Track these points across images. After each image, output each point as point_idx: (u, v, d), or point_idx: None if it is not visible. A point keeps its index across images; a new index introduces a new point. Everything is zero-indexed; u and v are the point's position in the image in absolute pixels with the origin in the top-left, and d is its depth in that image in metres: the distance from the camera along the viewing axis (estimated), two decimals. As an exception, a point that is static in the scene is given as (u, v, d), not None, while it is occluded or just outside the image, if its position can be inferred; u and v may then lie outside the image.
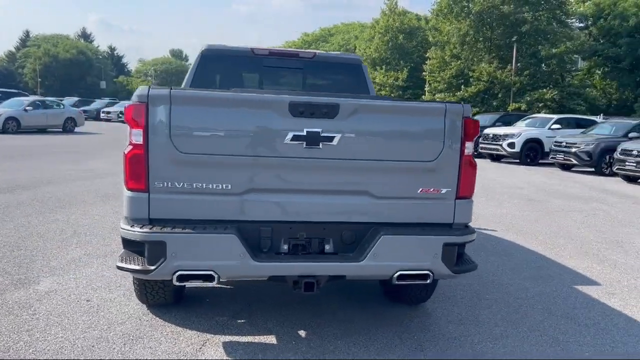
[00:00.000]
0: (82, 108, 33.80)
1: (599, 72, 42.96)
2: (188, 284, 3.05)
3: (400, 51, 47.09)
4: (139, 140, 2.92)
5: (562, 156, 16.82)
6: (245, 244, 2.95)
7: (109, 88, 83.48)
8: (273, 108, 2.96)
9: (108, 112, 41.32)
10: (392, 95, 40.84)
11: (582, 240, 6.94)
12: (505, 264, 5.61)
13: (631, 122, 18.61)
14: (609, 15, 39.00)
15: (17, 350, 3.26)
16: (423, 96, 41.98)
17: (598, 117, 25.55)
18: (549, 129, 18.94)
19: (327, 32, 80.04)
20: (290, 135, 2.96)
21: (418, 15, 53.88)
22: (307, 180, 3.07)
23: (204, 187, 2.99)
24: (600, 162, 15.94)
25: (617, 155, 14.55)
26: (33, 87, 71.69)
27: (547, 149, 18.13)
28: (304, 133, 2.97)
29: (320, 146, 2.99)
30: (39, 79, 73.85)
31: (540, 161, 18.62)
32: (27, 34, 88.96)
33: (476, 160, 3.37)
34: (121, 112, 40.69)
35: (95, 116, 41.24)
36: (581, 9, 43.23)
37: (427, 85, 41.78)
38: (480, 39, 39.20)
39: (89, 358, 3.20)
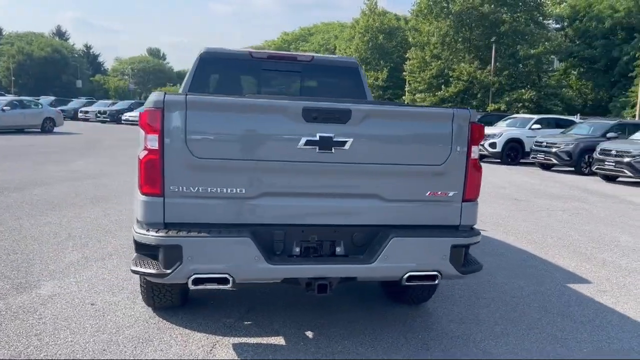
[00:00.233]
0: (59, 107, 33.25)
1: (575, 72, 43.86)
2: (203, 287, 3.08)
3: (380, 51, 47.42)
4: (155, 145, 2.95)
5: (543, 156, 17.16)
6: (259, 247, 3.00)
7: (85, 87, 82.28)
8: (287, 113, 3.01)
9: (86, 112, 40.72)
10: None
11: (569, 239, 7.13)
12: (498, 263, 5.74)
13: (609, 122, 19.09)
14: (584, 17, 39.82)
15: (28, 354, 3.26)
16: (403, 96, 42.38)
17: (575, 117, 26.12)
18: (530, 129, 19.30)
19: (307, 32, 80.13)
20: (303, 140, 3.02)
21: (397, 15, 54.29)
22: (319, 184, 3.13)
23: (219, 191, 3.03)
24: (580, 161, 16.31)
25: (596, 155, 14.91)
26: (7, 86, 70.35)
27: (527, 149, 18.48)
28: (317, 138, 3.02)
29: (333, 151, 3.05)
30: (13, 78, 72.47)
31: (521, 161, 18.97)
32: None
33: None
34: (99, 112, 40.29)
35: (73, 116, 40.58)
36: (557, 10, 44.06)
37: (407, 85, 42.15)
38: (460, 39, 39.70)
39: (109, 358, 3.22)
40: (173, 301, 3.90)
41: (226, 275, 3.00)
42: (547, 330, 4.03)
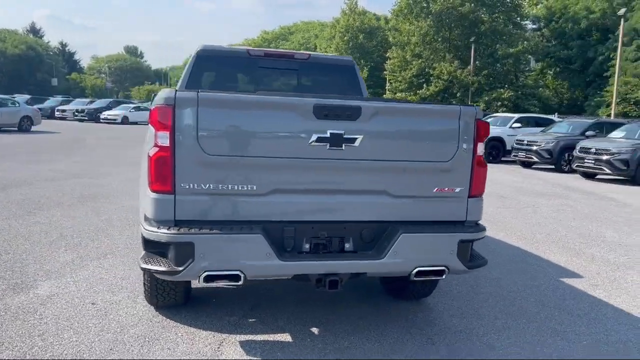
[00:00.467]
0: (36, 106, 32.64)
1: (551, 72, 44.62)
2: (214, 285, 3.07)
3: (361, 50, 47.63)
4: (166, 142, 2.93)
5: (524, 154, 17.43)
6: (271, 243, 3.01)
7: (61, 85, 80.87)
8: (298, 110, 3.02)
9: (63, 110, 40.06)
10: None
11: (557, 235, 7.26)
12: (492, 259, 5.79)
13: (587, 121, 19.45)
14: (560, 18, 40.53)
15: (34, 355, 3.21)
16: (384, 95, 42.58)
17: (553, 116, 26.57)
18: (510, 127, 19.59)
19: (287, 31, 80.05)
20: (314, 137, 3.03)
21: (376, 15, 54.58)
22: (329, 180, 3.15)
23: (230, 188, 3.02)
24: (560, 159, 16.61)
25: (576, 153, 15.19)
26: (-21, 84, 68.77)
27: (509, 147, 18.75)
28: (328, 135, 3.04)
29: (343, 147, 3.07)
30: (-15, 76, 70.95)
31: (502, 159, 19.23)
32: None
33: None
34: (77, 110, 39.61)
35: (50, 114, 39.88)
36: (534, 11, 44.77)
37: (388, 85, 42.40)
38: (439, 39, 40.09)
39: (117, 358, 3.20)
40: (176, 299, 3.88)
41: (238, 272, 3.00)
42: (546, 323, 4.11)
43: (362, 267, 3.22)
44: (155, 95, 6.96)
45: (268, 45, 70.83)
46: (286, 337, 3.65)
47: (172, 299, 3.84)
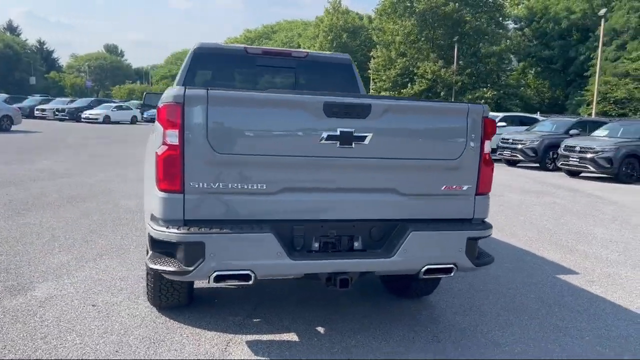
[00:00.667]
0: (15, 105, 32.04)
1: (532, 72, 45.18)
2: (224, 284, 3.04)
3: (345, 50, 47.54)
4: (175, 141, 2.89)
5: (509, 152, 17.63)
6: (281, 242, 2.98)
7: (40, 84, 79.61)
8: (308, 108, 3.00)
9: (43, 110, 39.40)
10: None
11: (548, 232, 7.34)
12: (488, 256, 5.86)
13: (571, 120, 19.74)
14: (542, 18, 41.05)
15: (38, 357, 3.14)
16: (368, 94, 42.64)
17: (536, 114, 26.89)
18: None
19: (270, 29, 79.83)
20: (324, 135, 3.01)
21: (359, 14, 54.71)
22: (339, 179, 3.13)
23: (240, 187, 2.99)
24: (545, 157, 16.82)
25: (561, 151, 15.39)
26: (-45, 83, 67.37)
27: (493, 146, 18.90)
28: (338, 133, 3.02)
29: (353, 145, 3.06)
30: (-39, 74, 69.50)
31: (487, 157, 19.37)
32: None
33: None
34: (57, 110, 38.99)
35: (29, 114, 39.20)
36: (515, 11, 45.29)
37: (372, 84, 42.53)
38: (423, 38, 40.34)
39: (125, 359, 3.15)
40: (180, 300, 3.83)
41: (248, 272, 2.97)
42: (547, 319, 4.14)
43: (372, 266, 3.21)
44: (146, 94, 6.89)
45: (251, 44, 70.53)
46: (292, 337, 3.63)
47: (176, 299, 3.80)
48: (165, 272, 2.99)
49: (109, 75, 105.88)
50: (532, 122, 20.90)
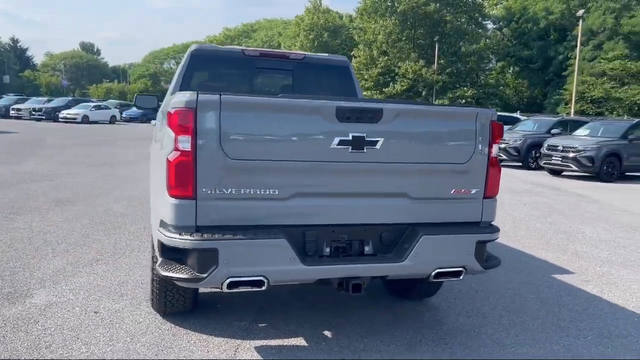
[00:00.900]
0: (-10, 105, 31.38)
1: (510, 71, 45.80)
2: (237, 290, 3.01)
3: (326, 49, 47.65)
4: (187, 147, 2.85)
5: (492, 152, 17.78)
6: (294, 248, 2.97)
7: (14, 83, 77.99)
8: (320, 113, 2.99)
9: (19, 110, 38.66)
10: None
11: (538, 232, 7.45)
12: (483, 256, 5.92)
13: (552, 119, 20.03)
14: (520, 18, 41.62)
15: (45, 368, 3.09)
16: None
17: (516, 114, 27.24)
18: (478, 126, 19.93)
19: (250, 28, 79.46)
20: (336, 140, 3.00)
21: (339, 13, 54.78)
22: (350, 183, 3.13)
23: (252, 192, 2.96)
24: (527, 157, 17.06)
25: (544, 150, 15.62)
26: None
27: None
28: (350, 138, 3.02)
29: (365, 150, 3.05)
30: None
31: (470, 157, 19.57)
32: None
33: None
34: (34, 109, 38.24)
35: (4, 113, 38.48)
36: (494, 11, 45.85)
37: (353, 83, 42.61)
38: (404, 37, 40.59)
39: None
40: (185, 306, 3.79)
41: (262, 278, 2.95)
42: (548, 320, 4.20)
43: (385, 270, 3.21)
44: (137, 95, 6.80)
45: (231, 43, 70.14)
46: (300, 341, 3.62)
47: (181, 305, 3.76)
48: (178, 279, 2.95)
49: (85, 74, 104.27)
50: (513, 121, 21.17)
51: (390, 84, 38.39)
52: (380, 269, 3.21)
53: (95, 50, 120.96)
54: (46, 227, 6.40)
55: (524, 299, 4.67)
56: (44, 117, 37.13)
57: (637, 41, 38.17)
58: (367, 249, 3.25)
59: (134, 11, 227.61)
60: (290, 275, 3.04)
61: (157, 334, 3.61)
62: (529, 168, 16.98)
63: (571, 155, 14.69)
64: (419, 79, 37.81)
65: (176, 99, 2.91)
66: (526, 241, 6.84)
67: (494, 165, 3.40)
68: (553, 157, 15.18)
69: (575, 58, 30.82)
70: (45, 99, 44.48)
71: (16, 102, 40.95)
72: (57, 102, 40.75)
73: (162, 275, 2.98)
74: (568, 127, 18.19)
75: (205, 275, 2.87)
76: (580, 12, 30.29)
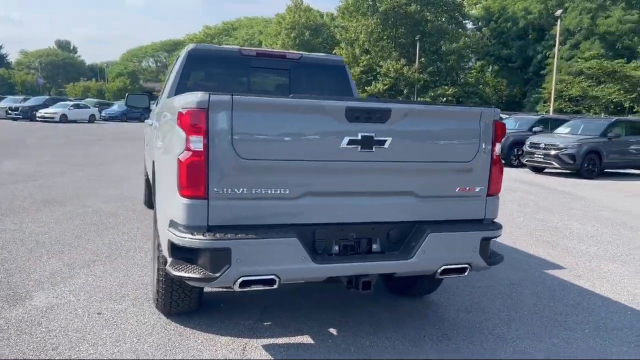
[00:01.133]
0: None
1: (490, 70, 46.38)
2: (248, 289, 3.03)
3: (307, 47, 47.68)
4: (199, 147, 2.86)
5: (475, 150, 18.01)
6: (305, 246, 3.00)
7: (-13, 81, 76.45)
8: (330, 113, 3.02)
9: (-7, 109, 37.87)
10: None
11: (528, 228, 7.59)
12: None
13: (533, 117, 20.34)
14: (499, 18, 42.17)
15: (55, 370, 3.07)
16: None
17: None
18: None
19: (230, 26, 79.01)
20: (346, 139, 3.04)
21: (320, 11, 54.81)
22: (359, 182, 3.17)
23: (263, 192, 2.98)
24: (510, 154, 17.30)
25: (526, 148, 15.87)
26: None
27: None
28: (359, 137, 3.06)
29: (374, 149, 3.09)
30: None
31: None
32: None
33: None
34: (10, 109, 37.50)
35: (-22, 113, 37.70)
36: (473, 11, 46.36)
37: (335, 82, 42.73)
38: (385, 36, 40.82)
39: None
40: (190, 306, 3.80)
41: (273, 277, 2.97)
42: (546, 314, 4.30)
43: (393, 267, 3.26)
44: (129, 95, 6.76)
45: (211, 41, 69.70)
46: (307, 339, 3.65)
47: (187, 305, 3.76)
48: (190, 279, 2.96)
49: (61, 72, 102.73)
50: (495, 119, 21.39)
51: (373, 82, 38.58)
52: (389, 267, 3.25)
53: (72, 48, 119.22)
54: (37, 228, 6.32)
55: (520, 294, 4.76)
56: (20, 117, 36.47)
57: (612, 41, 39.01)
58: (375, 246, 3.29)
59: (111, 8, 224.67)
60: (302, 274, 3.07)
61: (164, 334, 3.61)
62: (511, 165, 17.23)
63: (553, 152, 14.96)
64: (401, 78, 38.12)
65: (187, 99, 2.91)
66: (517, 238, 6.96)
67: (496, 163, 3.48)
68: (535, 155, 15.43)
69: (554, 57, 31.31)
70: (21, 97, 43.68)
71: (-10, 102, 40.15)
72: (34, 100, 40.07)
73: (174, 275, 2.98)
74: (549, 125, 18.50)
75: (218, 274, 2.88)
76: (559, 12, 30.80)
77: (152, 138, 5.09)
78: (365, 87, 38.53)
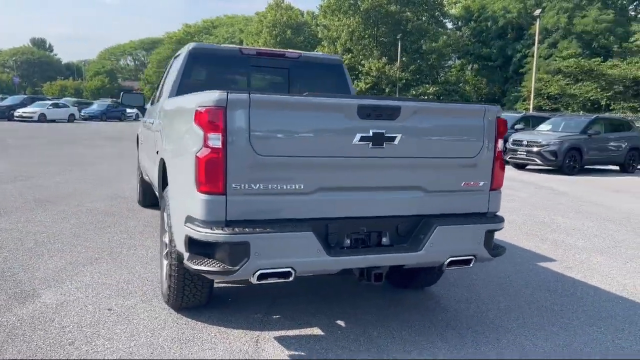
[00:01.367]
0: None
1: (469, 69, 46.94)
2: (265, 282, 3.12)
3: (289, 46, 47.64)
4: (217, 144, 2.94)
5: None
6: (320, 240, 3.10)
7: (-39, 81, 74.92)
8: (343, 111, 3.13)
9: (-30, 109, 37.15)
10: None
11: (517, 223, 7.79)
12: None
13: (515, 115, 20.71)
14: (479, 17, 42.71)
15: (75, 364, 3.12)
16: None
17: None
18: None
19: (210, 24, 78.53)
20: (358, 136, 3.15)
21: (300, 10, 54.87)
22: (370, 178, 3.28)
23: (279, 187, 3.08)
24: (493, 152, 17.55)
25: (509, 145, 16.17)
26: None
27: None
28: (370, 134, 3.17)
29: (384, 146, 3.21)
30: None
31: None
32: None
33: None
34: (-13, 108, 36.86)
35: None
36: (453, 10, 46.85)
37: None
38: (367, 36, 41.06)
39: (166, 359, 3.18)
40: (201, 300, 3.87)
41: (289, 269, 3.07)
42: (542, 304, 4.47)
43: (403, 259, 3.38)
44: (124, 93, 6.77)
45: (192, 39, 69.27)
46: (317, 331, 3.75)
47: (197, 299, 3.83)
48: (209, 272, 3.04)
49: (37, 70, 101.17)
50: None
51: (355, 81, 38.78)
52: (400, 259, 3.37)
53: (48, 46, 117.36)
54: (33, 227, 6.31)
55: (516, 285, 4.93)
56: (-3, 116, 35.87)
57: (589, 40, 39.80)
58: (384, 240, 3.41)
59: (88, 5, 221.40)
60: (317, 266, 3.17)
61: (176, 328, 3.68)
62: (495, 163, 17.50)
63: (535, 149, 15.28)
64: (383, 76, 38.43)
65: (205, 98, 2.99)
66: (506, 232, 7.13)
67: (499, 159, 3.62)
68: (518, 152, 15.74)
69: (533, 56, 31.84)
70: (-2, 97, 42.96)
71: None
72: (12, 100, 39.51)
73: (193, 269, 3.06)
74: (530, 123, 18.86)
75: (237, 267, 2.97)
76: (538, 11, 31.33)
77: (153, 137, 5.14)
78: (348, 86, 38.73)
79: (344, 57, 39.91)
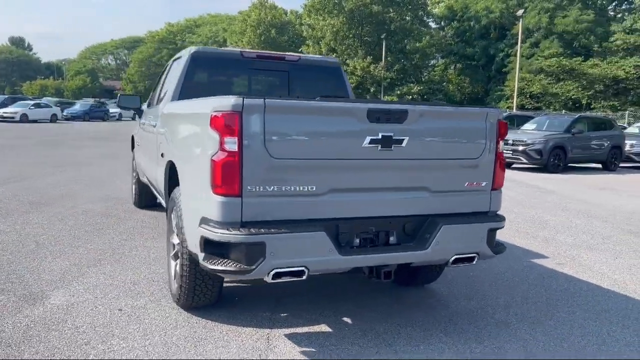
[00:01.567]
0: None
1: (452, 68, 47.41)
2: (279, 281, 3.22)
3: (273, 45, 47.69)
4: (233, 147, 3.03)
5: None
6: (331, 240, 3.21)
7: (-63, 80, 73.54)
8: (354, 115, 3.24)
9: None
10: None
11: (508, 221, 7.91)
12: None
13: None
14: (462, 17, 43.16)
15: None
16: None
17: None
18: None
19: (193, 23, 78.09)
20: (367, 139, 3.27)
21: (284, 9, 54.89)
22: (378, 179, 3.40)
23: (292, 189, 3.18)
24: (479, 151, 17.82)
25: (495, 144, 16.41)
26: None
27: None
28: (379, 137, 3.29)
29: (392, 148, 3.33)
30: None
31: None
32: None
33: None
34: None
35: None
36: (436, 10, 47.27)
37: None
38: (351, 35, 41.25)
39: (182, 358, 3.26)
40: (211, 299, 3.95)
41: (303, 268, 3.18)
42: (540, 299, 4.63)
43: (411, 258, 3.51)
44: (120, 95, 6.83)
45: (174, 38, 68.90)
46: (325, 328, 3.85)
47: (208, 299, 3.91)
48: (225, 272, 3.13)
49: (15, 69, 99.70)
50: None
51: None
52: (407, 257, 3.50)
53: (26, 45, 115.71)
54: (32, 229, 6.33)
55: (512, 282, 5.09)
56: (-22, 117, 35.33)
57: (570, 40, 40.44)
58: (392, 239, 3.53)
59: (68, 4, 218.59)
60: (329, 265, 3.28)
61: (188, 327, 3.76)
62: (481, 161, 17.77)
63: (521, 148, 15.55)
64: (367, 76, 38.68)
65: (221, 103, 3.08)
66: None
67: (500, 159, 3.76)
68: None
69: (516, 55, 32.30)
70: (-22, 97, 42.29)
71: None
72: (-8, 100, 38.91)
73: (210, 269, 3.15)
74: (515, 122, 19.17)
75: (253, 267, 3.07)
76: (520, 11, 31.79)
77: (155, 140, 5.20)
78: (333, 86, 38.88)
79: (329, 56, 40.21)
